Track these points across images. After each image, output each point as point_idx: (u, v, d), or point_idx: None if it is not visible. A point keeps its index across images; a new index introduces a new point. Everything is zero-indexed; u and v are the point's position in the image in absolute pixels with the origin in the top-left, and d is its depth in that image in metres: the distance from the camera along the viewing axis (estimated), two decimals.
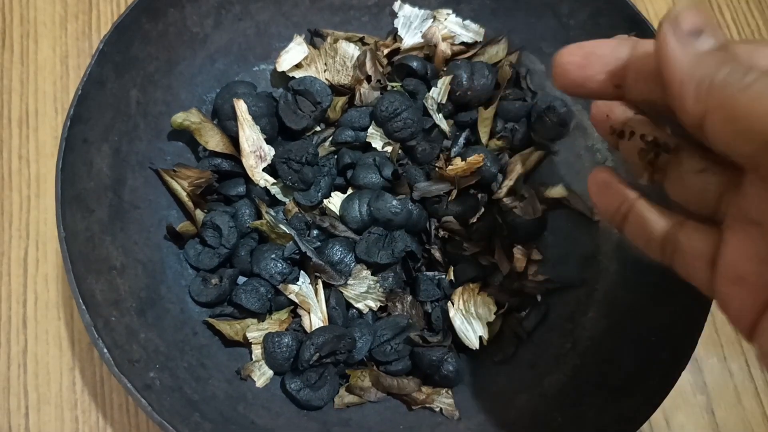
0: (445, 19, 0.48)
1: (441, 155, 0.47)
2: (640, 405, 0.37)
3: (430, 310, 0.45)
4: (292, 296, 0.42)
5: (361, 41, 0.49)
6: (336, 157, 0.47)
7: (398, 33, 0.48)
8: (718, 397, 0.49)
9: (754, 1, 0.62)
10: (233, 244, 0.42)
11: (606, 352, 0.42)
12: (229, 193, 0.45)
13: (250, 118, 0.44)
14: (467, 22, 0.49)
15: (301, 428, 0.40)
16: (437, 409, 0.42)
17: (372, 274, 0.43)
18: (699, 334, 0.38)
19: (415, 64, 0.47)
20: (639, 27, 0.44)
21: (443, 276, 0.46)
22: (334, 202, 0.45)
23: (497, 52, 0.49)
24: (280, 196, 0.45)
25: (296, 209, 0.45)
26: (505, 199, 0.47)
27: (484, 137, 0.48)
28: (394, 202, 0.43)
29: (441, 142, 0.47)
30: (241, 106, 0.44)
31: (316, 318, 0.42)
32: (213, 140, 0.44)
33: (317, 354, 0.40)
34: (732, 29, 0.61)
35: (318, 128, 0.48)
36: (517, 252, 0.47)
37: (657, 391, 0.37)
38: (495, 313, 0.44)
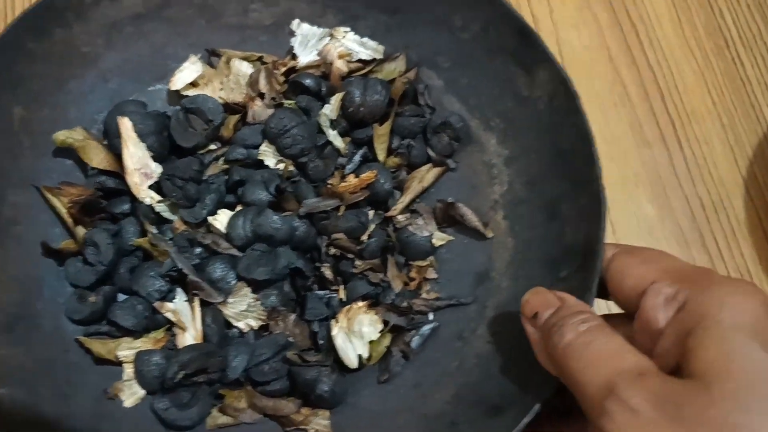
0: (343, 37, 0.48)
1: (336, 172, 0.47)
2: (508, 424, 0.35)
3: (317, 329, 0.44)
4: (168, 314, 0.42)
5: (260, 60, 0.49)
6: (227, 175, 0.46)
7: (294, 51, 0.48)
8: None
9: (755, 4, 0.61)
10: (110, 261, 0.42)
11: (489, 371, 0.40)
12: (114, 210, 0.44)
13: (134, 135, 0.44)
14: (365, 39, 0.48)
15: None
16: (312, 431, 0.40)
17: (254, 292, 0.43)
18: None
19: (307, 81, 0.47)
20: (528, 38, 0.43)
21: (334, 295, 0.45)
22: (220, 219, 0.44)
23: (395, 68, 0.48)
24: (167, 214, 0.44)
25: (184, 227, 0.44)
26: (399, 217, 0.46)
27: (381, 154, 0.47)
28: (275, 218, 0.43)
29: (336, 159, 0.47)
30: (125, 124, 0.44)
31: (189, 336, 0.41)
32: (97, 158, 0.44)
33: (182, 372, 0.39)
34: (732, 32, 0.60)
35: (213, 146, 0.47)
36: (412, 271, 0.46)
37: (526, 408, 0.35)
38: (381, 332, 0.43)
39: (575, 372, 0.28)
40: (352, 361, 0.41)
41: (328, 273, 0.45)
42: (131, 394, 0.40)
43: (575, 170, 0.42)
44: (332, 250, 0.45)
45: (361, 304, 0.43)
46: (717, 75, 0.58)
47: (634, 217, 0.54)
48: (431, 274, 0.46)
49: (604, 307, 0.42)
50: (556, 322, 0.30)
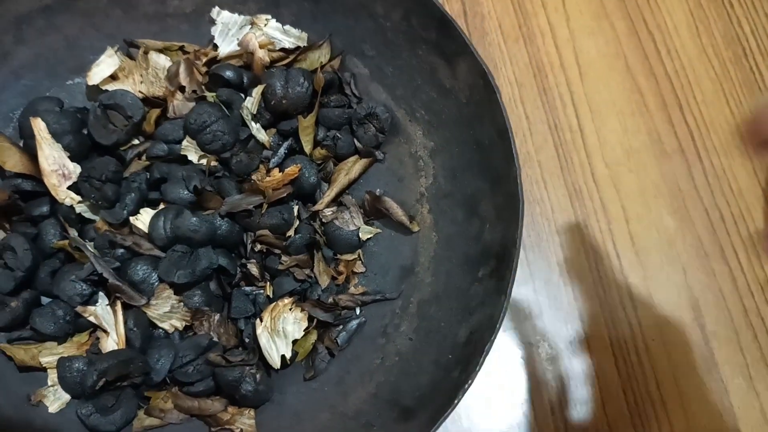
0: (265, 24, 0.47)
1: (261, 166, 0.46)
2: (419, 428, 0.36)
3: (243, 327, 0.44)
4: (91, 318, 0.42)
5: (182, 50, 0.48)
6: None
7: (215, 41, 0.47)
8: (745, 417, 0.47)
9: None
10: (28, 267, 0.41)
11: (408, 369, 0.41)
12: (32, 213, 0.44)
13: (49, 136, 0.43)
14: (287, 27, 0.47)
15: None
16: (237, 430, 0.41)
17: (176, 293, 0.43)
18: (482, 355, 0.36)
19: (228, 74, 0.46)
20: (448, 29, 0.42)
21: (261, 291, 0.45)
22: (143, 219, 0.44)
23: (319, 57, 0.47)
24: (88, 215, 0.44)
25: (106, 227, 0.44)
26: (325, 210, 0.46)
27: (307, 146, 0.46)
28: (194, 220, 0.42)
29: (260, 153, 0.46)
30: (38, 125, 0.43)
31: (112, 340, 0.41)
32: (11, 160, 0.43)
33: (102, 380, 0.39)
34: (750, 41, 0.58)
35: (136, 141, 0.47)
36: (340, 265, 0.46)
37: (439, 411, 0.36)
38: (306, 330, 0.43)
39: None
40: (275, 362, 0.42)
41: (254, 270, 0.44)
42: (56, 399, 0.41)
43: (493, 167, 0.41)
44: (258, 247, 0.45)
45: (286, 301, 0.43)
46: (735, 84, 0.56)
47: (654, 228, 0.52)
48: (359, 267, 0.46)
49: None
50: None
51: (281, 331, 0.42)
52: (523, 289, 0.49)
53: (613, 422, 0.46)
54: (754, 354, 0.49)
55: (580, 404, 0.47)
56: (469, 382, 0.36)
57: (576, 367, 0.47)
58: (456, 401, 0.35)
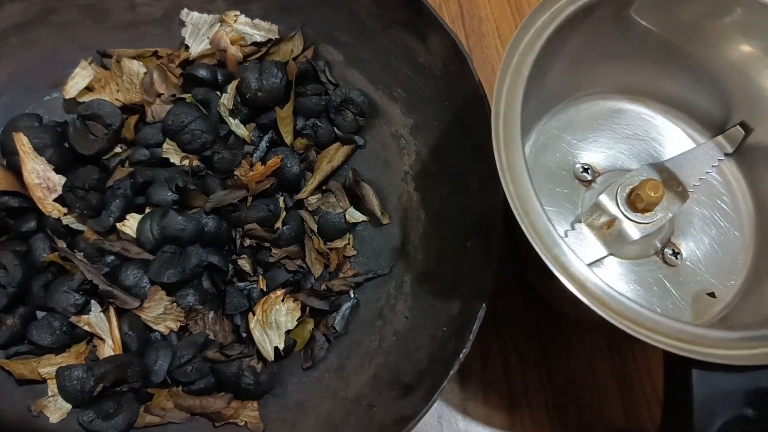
0: (235, 21, 0.47)
1: (244, 161, 0.46)
2: (418, 402, 0.36)
3: (239, 322, 0.44)
4: (86, 327, 0.42)
5: (155, 55, 0.48)
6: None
7: (186, 42, 0.47)
8: None
9: None
10: (19, 282, 0.42)
11: (406, 348, 0.41)
12: (20, 229, 0.44)
13: (32, 150, 0.43)
14: (257, 21, 0.47)
15: None
16: (242, 424, 0.41)
17: (169, 294, 0.42)
18: (475, 323, 0.36)
19: (201, 73, 0.46)
20: (416, 6, 0.42)
21: (254, 285, 0.45)
22: (130, 224, 0.44)
23: (292, 48, 0.47)
24: (76, 226, 0.44)
25: (95, 236, 0.44)
26: (309, 198, 0.46)
27: (287, 137, 0.46)
28: (179, 219, 0.42)
29: (242, 148, 0.46)
30: (20, 139, 0.43)
31: (107, 346, 0.41)
32: None
33: (100, 385, 0.39)
34: None
35: (119, 149, 0.47)
36: (332, 252, 0.46)
37: (437, 383, 0.35)
38: (299, 319, 0.43)
39: None
40: (269, 354, 0.41)
41: (245, 265, 0.44)
42: (57, 409, 0.41)
43: (474, 138, 0.41)
44: (248, 242, 0.45)
45: (278, 293, 0.43)
46: None
47: None
48: (350, 251, 0.46)
49: None
50: None
51: (273, 323, 0.42)
52: None
53: (609, 421, 0.46)
54: None
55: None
56: (464, 350, 0.35)
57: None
58: (452, 371, 0.35)
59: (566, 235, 0.38)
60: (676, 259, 0.40)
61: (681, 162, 0.40)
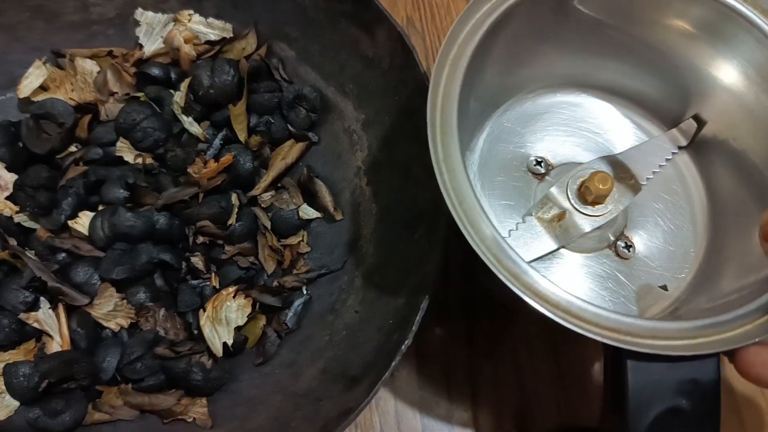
0: (189, 20, 0.47)
1: (198, 159, 0.46)
2: (361, 394, 0.36)
3: (191, 320, 0.44)
4: (35, 324, 0.41)
5: (110, 54, 0.48)
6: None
7: (140, 41, 0.47)
8: None
9: None
10: None
11: (355, 341, 0.41)
12: None
13: None
14: (211, 19, 0.47)
15: None
16: (190, 420, 0.41)
17: (119, 291, 0.42)
18: (418, 313, 0.36)
19: (154, 71, 0.46)
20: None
21: (207, 284, 0.44)
22: (82, 222, 0.44)
23: (244, 46, 0.47)
24: (28, 224, 0.44)
25: (47, 234, 0.44)
26: (263, 195, 0.46)
27: (241, 134, 0.47)
28: (128, 215, 0.42)
29: (195, 146, 0.46)
30: None
31: (56, 343, 0.41)
32: None
33: (45, 381, 0.39)
34: None
35: (73, 148, 0.47)
36: (285, 249, 0.46)
37: (379, 375, 0.35)
38: (249, 315, 0.42)
39: None
40: (218, 349, 0.41)
41: (198, 262, 0.44)
42: (4, 406, 0.40)
43: (420, 130, 0.41)
44: (200, 239, 0.45)
45: (230, 290, 0.43)
46: None
47: None
48: (304, 248, 0.46)
49: None
50: None
51: (224, 319, 0.42)
52: None
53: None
54: None
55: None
56: (406, 342, 0.35)
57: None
58: (393, 363, 0.35)
59: (516, 228, 0.38)
60: (629, 252, 0.39)
61: (634, 155, 0.40)
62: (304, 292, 0.45)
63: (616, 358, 0.30)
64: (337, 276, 0.44)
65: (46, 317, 0.41)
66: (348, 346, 0.40)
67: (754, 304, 0.30)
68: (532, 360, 0.47)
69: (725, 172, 0.40)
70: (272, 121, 0.47)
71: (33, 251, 0.43)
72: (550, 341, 0.47)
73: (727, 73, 0.38)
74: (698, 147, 0.41)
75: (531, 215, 0.38)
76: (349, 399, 0.36)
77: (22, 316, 0.41)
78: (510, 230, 0.37)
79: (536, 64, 0.42)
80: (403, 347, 0.35)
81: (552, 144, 0.42)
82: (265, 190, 0.46)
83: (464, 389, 0.45)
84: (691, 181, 0.42)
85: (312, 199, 0.46)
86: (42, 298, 0.42)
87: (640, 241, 0.40)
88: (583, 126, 0.43)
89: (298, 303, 0.44)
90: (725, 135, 0.40)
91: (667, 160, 0.41)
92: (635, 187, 0.38)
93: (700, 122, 0.41)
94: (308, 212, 0.46)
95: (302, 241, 0.46)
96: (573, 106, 0.43)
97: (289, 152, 0.47)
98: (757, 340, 0.28)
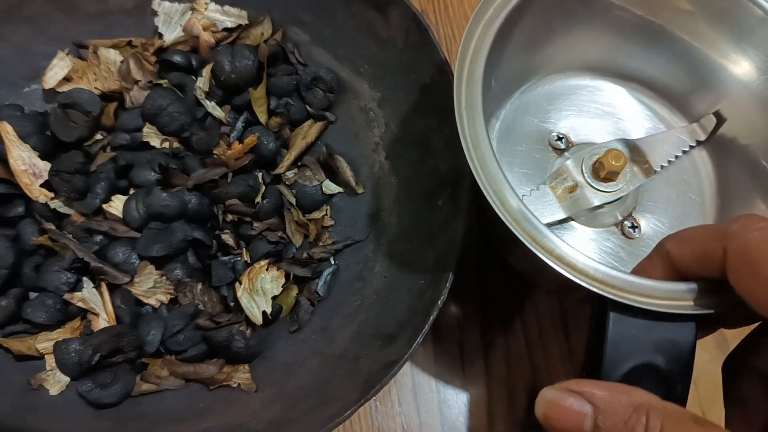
0: (205, 8, 0.49)
1: (222, 141, 0.48)
2: (402, 347, 0.38)
3: (226, 293, 0.46)
4: (79, 303, 0.43)
5: (130, 45, 0.50)
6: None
7: (159, 31, 0.49)
8: None
9: None
10: (11, 264, 0.43)
11: (385, 304, 0.43)
12: (7, 215, 0.46)
13: (16, 138, 0.45)
14: (227, 7, 0.49)
15: (93, 428, 0.41)
16: (235, 386, 0.43)
17: (158, 269, 0.44)
18: (452, 271, 0.38)
19: (176, 58, 0.48)
20: None
21: (238, 258, 0.47)
22: (115, 205, 0.46)
23: (261, 32, 0.49)
24: (63, 209, 0.46)
25: (82, 218, 0.46)
26: (287, 173, 0.48)
27: (262, 116, 0.49)
28: (163, 195, 0.44)
29: (218, 129, 0.48)
30: (5, 128, 0.45)
31: (102, 320, 0.43)
32: None
33: (97, 354, 0.41)
34: None
35: (99, 136, 0.49)
36: (311, 223, 0.48)
37: (418, 329, 0.38)
38: (283, 285, 0.45)
39: None
40: (257, 318, 0.44)
41: (228, 239, 0.47)
42: (56, 382, 0.42)
43: (438, 103, 0.44)
44: (230, 217, 0.47)
45: (262, 263, 0.45)
46: None
47: None
48: (328, 221, 0.48)
49: None
50: None
51: (260, 290, 0.44)
52: None
53: None
54: None
55: None
56: (442, 298, 0.38)
57: None
58: (431, 317, 0.38)
59: (530, 194, 0.41)
60: (635, 232, 0.42)
61: (651, 142, 0.42)
62: (332, 262, 0.47)
63: (600, 308, 0.32)
64: (362, 246, 0.47)
65: (91, 296, 0.43)
66: (379, 309, 0.43)
67: None
68: (543, 339, 0.50)
69: (739, 169, 0.42)
70: (291, 102, 0.49)
71: (70, 235, 0.45)
72: (562, 321, 0.50)
73: (749, 71, 0.40)
74: (716, 143, 0.43)
75: (545, 184, 0.41)
76: (389, 354, 0.39)
77: (67, 296, 0.43)
78: (523, 195, 0.40)
79: (565, 46, 0.44)
80: (439, 302, 0.38)
81: (575, 123, 0.44)
82: (288, 169, 0.48)
83: (478, 365, 0.48)
84: (705, 175, 0.44)
85: (333, 175, 0.49)
86: (85, 278, 0.44)
87: (646, 223, 0.42)
88: (607, 110, 0.45)
89: (327, 272, 0.46)
90: (743, 134, 0.42)
91: (684, 152, 0.43)
92: (648, 171, 0.41)
93: (720, 119, 0.43)
94: (330, 187, 0.48)
95: (326, 215, 0.48)
96: (599, 90, 0.46)
97: (308, 132, 0.49)
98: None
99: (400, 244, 0.45)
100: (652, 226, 0.42)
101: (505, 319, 0.50)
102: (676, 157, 0.43)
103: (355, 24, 0.47)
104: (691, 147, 0.43)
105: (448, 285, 0.38)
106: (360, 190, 0.48)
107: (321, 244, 0.47)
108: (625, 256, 0.42)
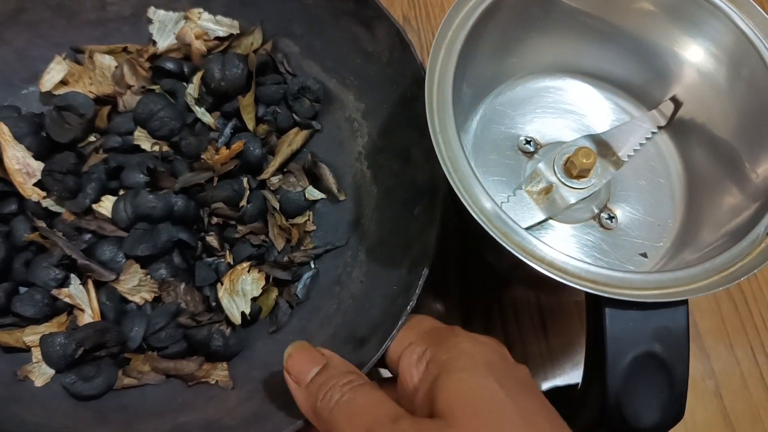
0: (198, 17, 0.51)
1: (210, 146, 0.50)
2: (371, 350, 0.40)
3: (208, 293, 0.48)
4: (66, 299, 0.45)
5: (125, 51, 0.51)
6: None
7: (153, 38, 0.51)
8: (726, 382, 0.51)
9: None
10: (2, 259, 0.45)
11: (362, 308, 0.45)
12: (1, 212, 0.47)
13: (12, 138, 0.47)
14: (219, 17, 0.51)
15: (75, 419, 0.42)
16: (213, 382, 0.45)
17: (143, 268, 0.46)
18: (421, 278, 0.40)
19: (168, 65, 0.50)
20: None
21: (222, 260, 0.48)
22: (105, 205, 0.47)
23: (252, 42, 0.51)
24: (54, 208, 0.48)
25: (72, 217, 0.48)
26: (271, 179, 0.50)
27: (250, 123, 0.50)
28: (150, 197, 0.46)
29: (207, 134, 0.50)
30: (1, 129, 0.47)
31: (87, 316, 0.45)
32: None
33: (81, 348, 0.43)
34: None
35: (92, 138, 0.50)
36: (293, 228, 0.50)
37: (387, 333, 0.39)
38: (263, 288, 0.46)
39: (339, 424, 0.30)
40: (236, 318, 0.45)
41: (213, 241, 0.48)
42: (41, 374, 0.44)
43: (419, 116, 0.45)
44: (215, 220, 0.49)
45: (244, 265, 0.47)
46: None
47: None
48: (310, 227, 0.50)
49: None
50: (324, 382, 0.32)
51: (240, 291, 0.46)
52: None
53: None
54: (734, 324, 0.53)
55: None
56: (411, 303, 0.39)
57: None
58: (400, 322, 0.39)
59: (507, 200, 0.42)
60: (612, 222, 0.44)
61: (616, 134, 0.44)
62: (312, 266, 0.49)
63: (596, 306, 0.34)
64: (342, 251, 0.49)
65: (77, 292, 0.45)
66: (355, 313, 0.45)
67: (713, 262, 0.34)
68: (522, 334, 0.52)
69: (700, 148, 0.44)
70: (278, 111, 0.51)
71: (60, 233, 0.47)
72: (540, 316, 0.52)
73: (699, 56, 0.43)
74: (676, 127, 0.46)
75: (521, 189, 0.43)
76: (360, 356, 0.40)
77: (55, 291, 0.45)
78: (501, 202, 0.42)
79: (524, 51, 0.46)
80: (408, 308, 0.39)
81: (540, 125, 0.46)
82: (273, 174, 0.50)
83: None
84: (670, 158, 0.46)
85: (317, 182, 0.50)
86: (72, 275, 0.46)
87: (622, 213, 0.44)
88: (569, 108, 0.47)
89: (306, 276, 0.48)
90: (699, 115, 0.44)
91: (647, 139, 0.45)
92: (617, 163, 0.43)
93: (677, 104, 0.45)
94: (313, 194, 0.50)
95: (308, 220, 0.50)
96: (560, 90, 0.48)
97: (294, 139, 0.51)
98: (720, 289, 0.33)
99: (378, 251, 0.46)
100: (627, 215, 0.44)
101: (485, 314, 0.51)
102: (641, 145, 0.44)
103: (343, 38, 0.49)
104: (653, 133, 0.45)
105: (417, 291, 0.40)
106: (342, 198, 0.49)
107: (302, 248, 0.49)
108: (607, 247, 0.43)
